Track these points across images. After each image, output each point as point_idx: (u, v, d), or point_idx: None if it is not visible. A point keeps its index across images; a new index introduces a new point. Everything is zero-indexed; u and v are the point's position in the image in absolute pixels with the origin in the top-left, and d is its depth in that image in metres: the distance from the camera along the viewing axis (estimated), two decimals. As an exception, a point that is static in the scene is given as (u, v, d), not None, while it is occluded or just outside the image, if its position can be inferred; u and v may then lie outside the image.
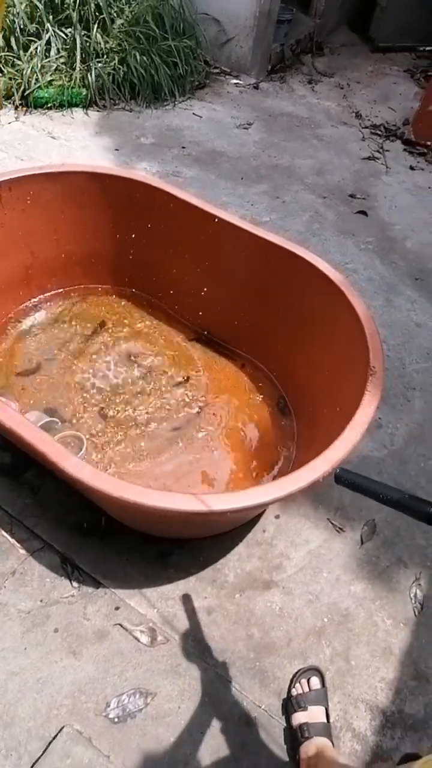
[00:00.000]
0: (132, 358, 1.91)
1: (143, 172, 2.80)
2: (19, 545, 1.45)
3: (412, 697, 1.36)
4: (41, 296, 2.02)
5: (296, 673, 1.30)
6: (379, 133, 3.58)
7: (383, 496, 0.74)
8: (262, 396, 1.84)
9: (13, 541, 1.45)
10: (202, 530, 1.48)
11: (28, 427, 1.10)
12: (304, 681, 1.28)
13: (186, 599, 1.40)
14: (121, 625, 1.34)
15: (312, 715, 1.23)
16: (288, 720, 1.25)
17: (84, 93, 3.11)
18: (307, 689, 1.27)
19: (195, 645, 1.34)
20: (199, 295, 1.94)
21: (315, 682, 1.29)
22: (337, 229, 2.73)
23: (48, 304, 2.02)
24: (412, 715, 1.33)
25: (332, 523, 1.62)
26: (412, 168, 3.31)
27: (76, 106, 3.15)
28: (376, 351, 1.35)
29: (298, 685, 1.28)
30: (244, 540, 1.54)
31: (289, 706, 1.26)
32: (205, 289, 1.91)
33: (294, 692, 1.27)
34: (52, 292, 2.04)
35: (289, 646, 1.37)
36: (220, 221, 1.68)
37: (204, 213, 1.70)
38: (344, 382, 1.45)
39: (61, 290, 2.06)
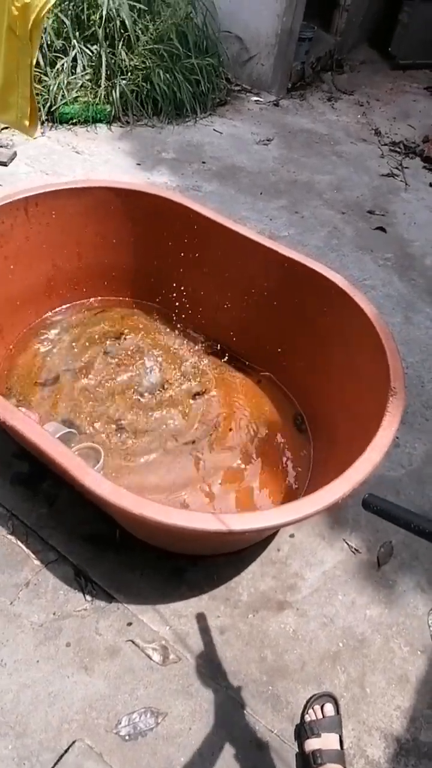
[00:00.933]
0: (149, 370, 1.92)
1: (163, 186, 2.84)
2: (33, 556, 1.45)
3: (428, 725, 1.32)
4: (62, 307, 2.05)
5: (310, 698, 1.28)
6: (399, 150, 3.58)
7: (415, 525, 0.71)
8: (278, 412, 1.84)
9: (28, 551, 1.46)
10: (218, 548, 1.47)
11: (48, 440, 1.11)
12: (317, 707, 1.26)
13: (199, 617, 1.39)
14: (133, 642, 1.33)
15: (326, 742, 1.20)
16: (300, 746, 1.23)
17: (108, 109, 3.18)
18: (320, 716, 1.24)
19: (207, 665, 1.32)
20: (217, 309, 1.94)
21: (329, 708, 1.26)
22: (355, 245, 2.73)
23: (68, 315, 2.05)
24: (427, 744, 1.29)
25: (348, 544, 1.60)
26: (431, 185, 3.30)
27: (101, 121, 3.21)
28: (397, 371, 1.34)
29: (311, 711, 1.25)
30: (259, 558, 1.52)
31: (302, 732, 1.23)
32: (224, 304, 1.92)
33: (307, 718, 1.24)
34: (73, 303, 2.07)
35: (302, 670, 1.34)
36: (239, 236, 1.69)
37: (223, 228, 1.71)
38: (364, 401, 1.44)
39: (82, 302, 2.09)
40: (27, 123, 1.34)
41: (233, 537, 1.18)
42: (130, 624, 1.36)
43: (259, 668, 1.33)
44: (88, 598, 1.39)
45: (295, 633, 1.40)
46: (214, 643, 1.36)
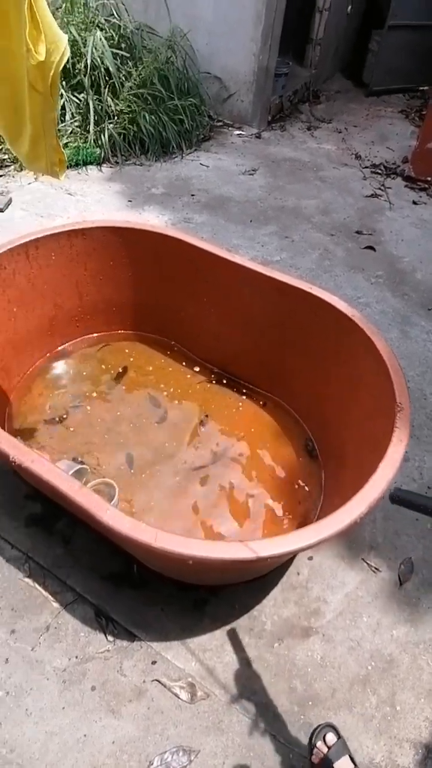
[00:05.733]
0: (154, 401, 1.94)
1: (155, 220, 2.92)
2: (52, 598, 1.44)
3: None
4: (65, 345, 2.08)
5: (311, 735, 1.25)
6: (380, 171, 3.71)
7: None
8: (287, 437, 1.85)
9: (46, 594, 1.44)
10: (238, 577, 1.46)
11: (64, 479, 1.12)
12: (320, 743, 1.23)
13: (224, 650, 1.37)
14: (159, 681, 1.30)
15: None
16: None
17: (98, 152, 3.29)
18: (326, 749, 1.21)
19: (236, 700, 1.29)
20: (218, 336, 1.98)
21: (330, 738, 1.24)
22: (346, 265, 2.79)
23: (72, 352, 2.08)
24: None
25: (367, 563, 1.58)
26: (414, 203, 3.40)
27: (91, 164, 3.33)
28: (401, 386, 1.36)
29: (316, 750, 1.22)
30: (279, 584, 1.51)
31: None
32: (224, 331, 1.95)
33: (315, 759, 1.21)
34: (75, 341, 2.10)
35: (333, 697, 1.32)
36: (234, 265, 1.73)
37: (217, 258, 1.76)
38: (370, 420, 1.45)
39: (84, 338, 2.12)
40: (57, 169, 1.42)
41: (257, 564, 1.17)
42: (154, 662, 1.34)
43: (290, 699, 1.31)
44: (110, 638, 1.37)
45: (323, 660, 1.37)
46: (242, 676, 1.33)
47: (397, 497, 0.80)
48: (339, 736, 1.25)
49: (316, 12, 4.35)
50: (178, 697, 1.28)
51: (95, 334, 2.14)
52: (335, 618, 1.45)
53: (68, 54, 1.25)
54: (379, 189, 3.50)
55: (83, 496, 1.07)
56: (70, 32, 3.21)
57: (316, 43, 4.51)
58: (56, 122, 1.35)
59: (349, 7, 4.68)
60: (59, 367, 2.03)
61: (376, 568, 1.56)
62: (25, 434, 1.80)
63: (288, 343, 1.81)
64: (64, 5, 3.36)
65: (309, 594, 1.50)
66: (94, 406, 1.90)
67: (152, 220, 2.93)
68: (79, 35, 3.25)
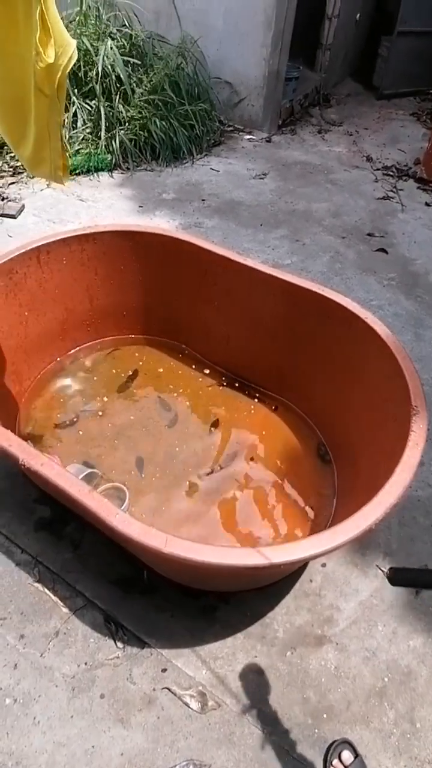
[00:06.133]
0: (165, 405, 1.93)
1: (166, 225, 2.93)
2: (61, 603, 1.42)
3: None
4: (75, 349, 2.08)
5: (326, 752, 1.20)
6: (392, 173, 3.68)
7: None
8: (300, 441, 1.82)
9: (55, 599, 1.42)
10: (250, 583, 1.43)
11: (73, 483, 1.11)
12: (336, 761, 1.18)
13: (235, 658, 1.34)
14: (169, 690, 1.28)
15: None
16: None
17: (109, 158, 3.32)
18: None
19: (248, 710, 1.26)
20: (228, 340, 1.96)
21: (347, 756, 1.19)
22: (358, 268, 2.76)
23: (82, 356, 2.08)
24: None
25: (381, 570, 1.54)
26: (427, 204, 3.36)
27: (102, 170, 3.35)
28: (417, 390, 1.33)
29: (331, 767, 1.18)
30: (291, 591, 1.47)
31: None
32: (234, 334, 1.94)
33: None
34: (86, 345, 2.10)
35: (348, 709, 1.28)
36: (244, 267, 1.72)
37: (228, 261, 1.75)
38: (385, 422, 1.42)
39: (95, 342, 2.12)
40: (61, 174, 1.42)
41: (269, 571, 1.14)
42: (164, 670, 1.31)
43: (303, 710, 1.27)
44: (120, 644, 1.35)
45: (338, 670, 1.34)
46: (254, 685, 1.30)
47: (395, 579, 0.75)
48: (357, 755, 1.20)
49: (326, 18, 4.36)
50: (189, 707, 1.25)
51: (106, 338, 2.13)
52: (349, 626, 1.41)
53: (76, 57, 1.26)
54: (391, 191, 3.47)
55: (93, 500, 1.05)
56: (83, 42, 3.26)
57: (326, 48, 4.51)
58: (61, 126, 1.35)
59: (358, 15, 4.69)
60: (70, 371, 2.03)
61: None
62: (36, 438, 1.79)
63: (299, 346, 1.78)
64: (77, 18, 3.41)
65: (322, 601, 1.46)
66: (105, 410, 1.89)
67: (163, 225, 2.93)
68: (92, 45, 3.29)
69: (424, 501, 1.73)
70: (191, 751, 1.20)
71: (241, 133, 4.02)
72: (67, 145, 3.20)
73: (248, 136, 3.99)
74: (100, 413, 1.88)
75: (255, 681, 1.30)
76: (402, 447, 1.21)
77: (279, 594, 1.47)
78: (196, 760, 1.18)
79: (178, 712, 1.25)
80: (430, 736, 1.26)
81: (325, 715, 1.26)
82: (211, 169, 3.57)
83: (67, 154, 1.46)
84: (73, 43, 1.26)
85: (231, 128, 4.05)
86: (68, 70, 1.25)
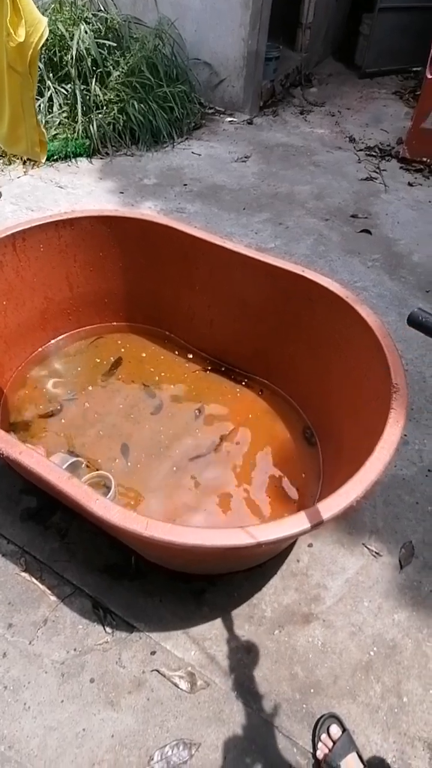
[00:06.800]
0: (150, 392, 1.92)
1: (148, 211, 2.88)
2: (49, 592, 1.42)
3: (473, 732, 1.27)
4: (58, 338, 2.06)
5: (314, 727, 1.23)
6: (374, 154, 3.65)
7: None
8: (285, 424, 1.82)
9: (43, 588, 1.42)
10: (236, 564, 1.44)
11: (53, 470, 1.10)
12: (325, 736, 1.20)
13: (224, 639, 1.35)
14: (158, 671, 1.29)
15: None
16: None
17: (87, 143, 3.25)
18: (331, 743, 1.19)
19: (237, 688, 1.28)
20: (211, 325, 1.95)
21: (335, 730, 1.21)
22: (342, 250, 2.75)
23: (65, 345, 2.05)
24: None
25: (368, 548, 1.56)
26: (410, 184, 3.35)
27: (81, 155, 3.28)
28: (397, 368, 1.33)
29: (320, 744, 1.19)
30: (279, 572, 1.49)
31: None
32: (218, 319, 1.92)
33: (320, 753, 1.19)
34: (68, 333, 2.08)
35: (335, 684, 1.30)
36: (226, 251, 1.70)
37: (209, 244, 1.73)
38: (367, 401, 1.42)
39: (77, 331, 2.09)
40: (38, 150, 1.43)
41: (253, 550, 1.15)
42: (153, 653, 1.32)
43: (291, 686, 1.29)
44: (108, 630, 1.36)
45: (324, 645, 1.36)
46: (242, 664, 1.31)
47: (415, 319, 0.73)
48: (344, 729, 1.22)
49: (306, -6, 4.28)
50: (178, 687, 1.26)
51: (88, 327, 2.11)
52: (336, 603, 1.43)
53: (47, 33, 1.26)
54: (374, 172, 3.45)
55: (72, 486, 1.05)
56: (58, 28, 3.17)
57: (306, 27, 4.44)
58: (34, 102, 1.35)
59: (339, -10, 4.61)
60: (52, 360, 2.01)
61: (376, 553, 1.54)
62: (20, 428, 1.78)
63: (283, 328, 1.78)
64: (53, 5, 3.32)
65: (309, 581, 1.47)
66: (89, 398, 1.88)
67: (145, 211, 2.89)
68: (67, 30, 3.20)
69: (408, 479, 1.75)
70: (181, 730, 1.21)
71: (222, 116, 3.96)
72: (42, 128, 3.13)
73: (229, 119, 3.93)
74: (84, 402, 1.86)
75: (243, 660, 1.32)
76: (383, 425, 1.21)
77: (267, 575, 1.48)
78: (186, 739, 1.20)
79: (167, 693, 1.26)
80: (419, 711, 1.28)
81: (312, 690, 1.28)
82: (193, 152, 3.51)
83: (43, 129, 1.45)
84: (44, 20, 1.26)
85: (212, 110, 3.98)
86: (39, 46, 1.25)
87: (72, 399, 1.87)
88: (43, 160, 1.53)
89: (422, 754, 1.22)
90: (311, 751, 1.20)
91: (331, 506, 1.04)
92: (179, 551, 1.02)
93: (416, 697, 1.30)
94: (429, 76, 3.24)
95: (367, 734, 1.24)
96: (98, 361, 2.01)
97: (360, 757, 1.18)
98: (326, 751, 1.18)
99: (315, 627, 1.39)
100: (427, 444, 1.86)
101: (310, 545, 1.56)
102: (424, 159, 3.48)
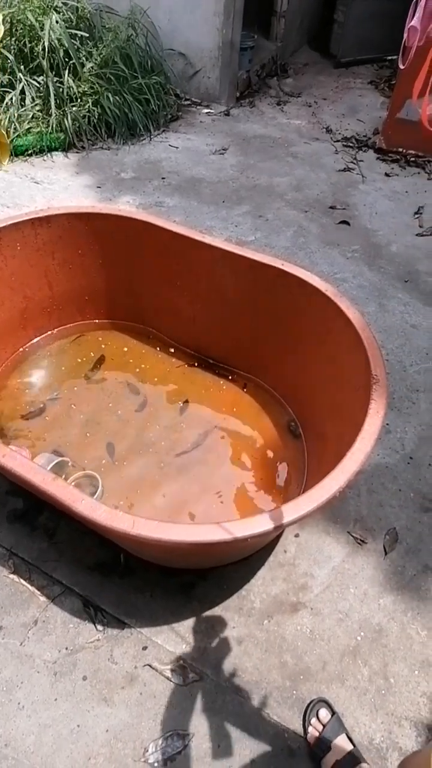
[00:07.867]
0: (134, 389, 1.91)
1: (126, 205, 2.86)
2: (39, 592, 1.42)
3: (457, 708, 1.31)
4: (39, 338, 2.04)
5: (304, 713, 1.26)
6: (351, 144, 3.66)
7: None
8: (270, 418, 1.84)
9: (32, 588, 1.42)
10: (223, 559, 1.46)
11: (37, 471, 1.10)
12: (315, 720, 1.24)
13: (214, 631, 1.37)
14: (150, 666, 1.30)
15: (338, 750, 1.18)
16: (320, 765, 1.20)
17: (62, 137, 3.19)
18: (320, 727, 1.22)
19: (228, 679, 1.30)
20: (194, 320, 1.95)
21: (324, 714, 1.24)
22: (322, 241, 2.77)
23: (46, 344, 2.04)
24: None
25: (353, 536, 1.60)
26: (387, 175, 3.37)
27: (56, 150, 3.23)
28: (376, 358, 1.35)
29: (310, 728, 1.23)
30: (266, 563, 1.51)
31: (314, 752, 1.20)
32: (200, 314, 1.92)
33: (311, 737, 1.22)
34: (50, 332, 2.06)
35: (324, 669, 1.33)
36: (205, 246, 1.70)
37: (189, 240, 1.72)
38: (348, 393, 1.45)
39: (58, 329, 2.08)
40: None
41: (237, 545, 1.17)
42: (145, 648, 1.34)
43: (281, 674, 1.32)
44: (100, 627, 1.37)
45: (312, 633, 1.39)
46: (233, 654, 1.34)
47: None
48: (333, 712, 1.25)
49: (280, -18, 4.24)
50: (170, 680, 1.28)
51: (69, 325, 2.09)
52: (323, 591, 1.46)
53: (2, 31, 1.23)
54: (352, 162, 3.46)
55: (57, 487, 1.05)
56: (27, 17, 3.09)
57: (281, 16, 4.41)
58: None
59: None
60: (34, 360, 1.99)
61: (362, 540, 1.58)
62: (3, 430, 1.76)
63: (265, 323, 1.79)
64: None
65: (296, 570, 1.50)
66: (72, 397, 1.87)
67: (123, 205, 2.86)
68: (36, 20, 3.12)
69: (391, 467, 1.78)
70: (175, 722, 1.23)
71: (198, 107, 3.93)
72: (5, 125, 3.06)
73: (206, 110, 3.90)
74: (68, 401, 1.85)
75: (234, 650, 1.34)
76: (363, 416, 1.23)
77: (255, 566, 1.50)
78: (179, 730, 1.22)
79: (160, 686, 1.28)
80: (405, 692, 1.32)
81: (302, 677, 1.32)
82: (170, 145, 3.48)
83: (3, 131, 1.40)
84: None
85: (188, 102, 3.94)
86: None
87: (55, 398, 1.86)
88: (5, 162, 1.49)
89: (409, 733, 1.27)
90: (302, 735, 1.23)
91: (313, 498, 1.06)
92: (167, 548, 1.03)
93: (402, 678, 1.34)
94: (402, 67, 3.25)
95: (356, 716, 1.28)
96: (81, 359, 2.00)
97: (350, 738, 1.22)
98: (316, 734, 1.21)
99: (303, 615, 1.42)
100: (409, 432, 1.90)
101: (296, 535, 1.58)
102: (400, 149, 3.50)
